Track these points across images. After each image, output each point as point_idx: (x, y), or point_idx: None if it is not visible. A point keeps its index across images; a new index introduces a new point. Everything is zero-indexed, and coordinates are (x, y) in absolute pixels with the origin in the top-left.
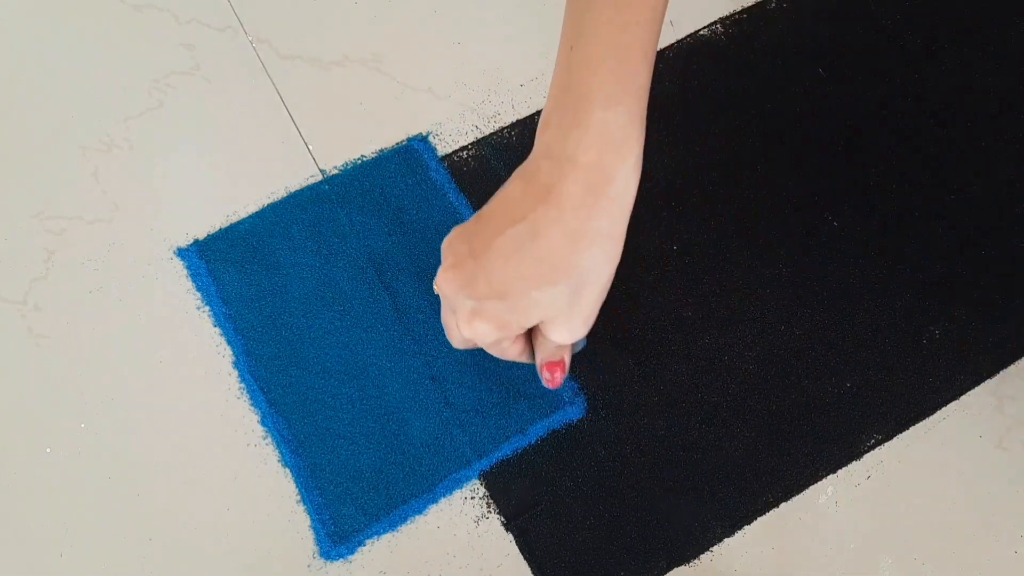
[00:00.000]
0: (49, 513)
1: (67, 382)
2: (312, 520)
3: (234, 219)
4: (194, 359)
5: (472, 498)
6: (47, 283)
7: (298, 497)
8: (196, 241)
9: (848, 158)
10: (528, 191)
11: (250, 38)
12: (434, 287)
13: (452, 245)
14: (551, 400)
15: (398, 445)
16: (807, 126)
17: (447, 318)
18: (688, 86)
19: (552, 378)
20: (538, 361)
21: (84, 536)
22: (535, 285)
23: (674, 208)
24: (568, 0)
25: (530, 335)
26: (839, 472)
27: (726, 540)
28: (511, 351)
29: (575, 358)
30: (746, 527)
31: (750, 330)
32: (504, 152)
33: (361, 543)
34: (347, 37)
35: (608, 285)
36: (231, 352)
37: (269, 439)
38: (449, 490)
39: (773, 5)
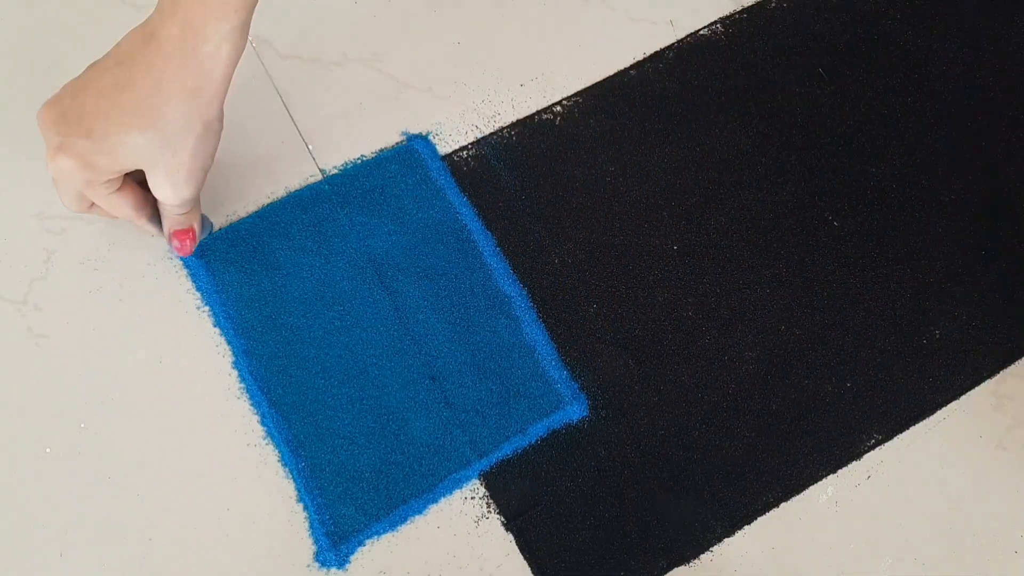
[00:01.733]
0: (49, 513)
1: (67, 382)
2: (312, 520)
3: (234, 219)
4: (194, 359)
5: (472, 498)
6: (47, 283)
7: (298, 497)
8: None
9: (848, 158)
10: (134, 37)
11: (250, 38)
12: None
13: (63, 86)
14: (551, 400)
15: (398, 445)
16: (807, 126)
17: (48, 167)
18: (688, 86)
19: (181, 246)
20: (166, 230)
21: (84, 536)
22: (122, 128)
23: (674, 208)
24: None
25: (155, 204)
26: (839, 472)
27: (726, 540)
28: (118, 204)
29: (574, 359)
30: (746, 527)
31: (750, 330)
32: (504, 152)
33: (361, 543)
34: (347, 37)
35: (205, 146)
36: (231, 352)
37: (269, 439)
38: (449, 490)
39: (773, 5)
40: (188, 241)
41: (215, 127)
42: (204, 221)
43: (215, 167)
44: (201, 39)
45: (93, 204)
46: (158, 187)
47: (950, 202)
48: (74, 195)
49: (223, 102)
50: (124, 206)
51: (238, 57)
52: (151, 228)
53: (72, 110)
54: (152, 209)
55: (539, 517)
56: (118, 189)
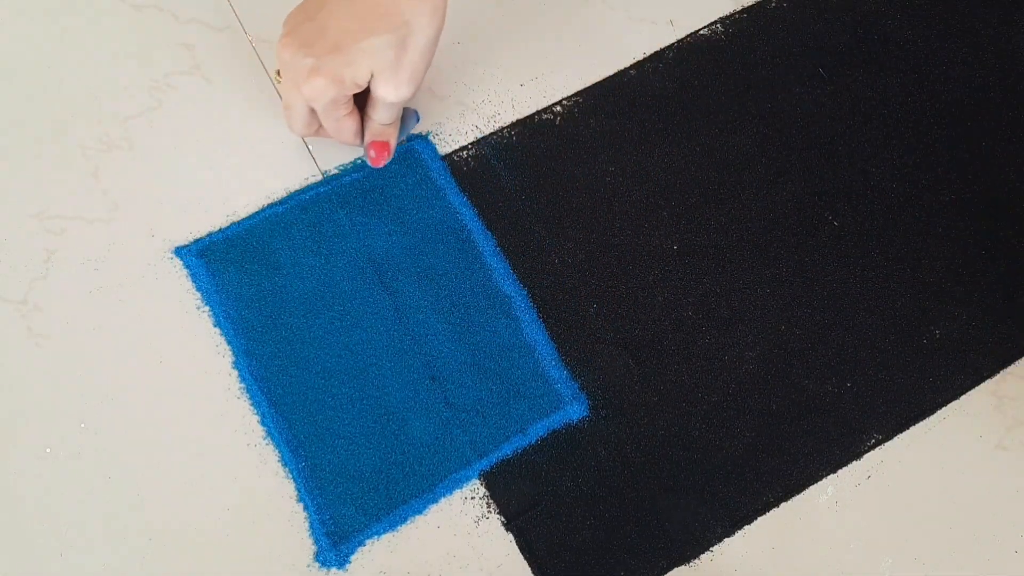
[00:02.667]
0: (49, 513)
1: (67, 382)
2: (312, 520)
3: (234, 219)
4: (194, 359)
5: (472, 498)
6: (47, 283)
7: (298, 497)
8: (196, 241)
9: (848, 158)
10: None
11: (250, 38)
12: (276, 58)
13: (289, 17)
14: (551, 400)
15: (398, 445)
16: (807, 126)
17: (288, 94)
18: (688, 86)
19: (376, 156)
20: (366, 141)
21: (84, 536)
22: (364, 35)
23: (674, 208)
24: None
25: (362, 116)
26: (839, 472)
27: (726, 540)
28: (346, 126)
29: (574, 359)
30: (746, 527)
31: (750, 330)
32: (504, 152)
33: (361, 543)
34: None
35: (432, 46)
36: (231, 352)
37: (269, 439)
38: (449, 490)
39: (773, 5)
40: (384, 154)
41: (442, 21)
42: (411, 113)
43: (215, 167)
44: None
45: (319, 128)
46: (383, 86)
47: (950, 202)
48: (307, 117)
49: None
50: (349, 130)
51: None
52: (358, 142)
53: (314, 32)
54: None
55: (539, 517)
56: (349, 113)
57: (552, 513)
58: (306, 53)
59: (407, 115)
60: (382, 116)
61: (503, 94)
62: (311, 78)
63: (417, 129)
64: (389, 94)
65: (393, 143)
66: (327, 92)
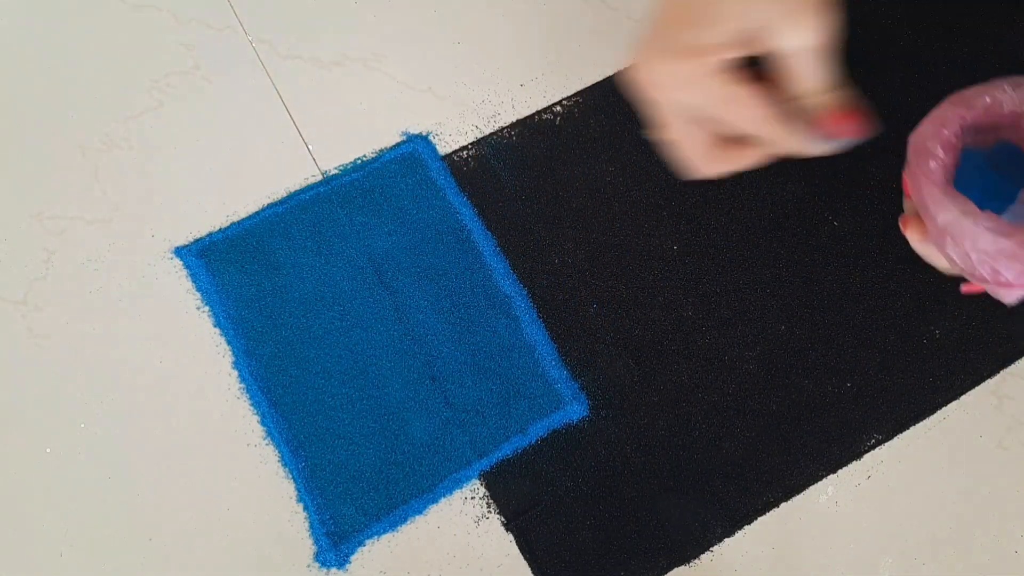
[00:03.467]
0: (49, 513)
1: (67, 382)
2: (312, 520)
3: (234, 219)
4: (194, 359)
5: (472, 498)
6: (47, 283)
7: (298, 497)
8: (196, 241)
9: (848, 158)
10: None
11: (250, 38)
12: (641, 85)
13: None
14: (551, 400)
15: (398, 445)
16: None
17: (666, 113)
18: None
19: (843, 127)
20: (819, 120)
21: (84, 536)
22: None
23: (674, 208)
24: None
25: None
26: (839, 472)
27: (726, 540)
28: (745, 100)
29: (574, 359)
30: (746, 527)
31: (750, 330)
32: (504, 152)
33: (361, 543)
34: (347, 37)
35: None
36: (231, 352)
37: (269, 439)
38: (449, 490)
39: None
40: (854, 121)
41: None
42: None
43: (215, 167)
44: None
45: (714, 147)
46: (784, 31)
47: None
48: (701, 139)
49: None
50: (750, 103)
51: None
52: (786, 132)
53: (668, 33)
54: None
55: (539, 517)
56: (735, 83)
57: (552, 513)
58: (662, 54)
59: None
60: (809, 76)
61: (503, 94)
62: (676, 60)
63: (416, 128)
64: (799, 36)
65: (847, 103)
66: (681, 69)
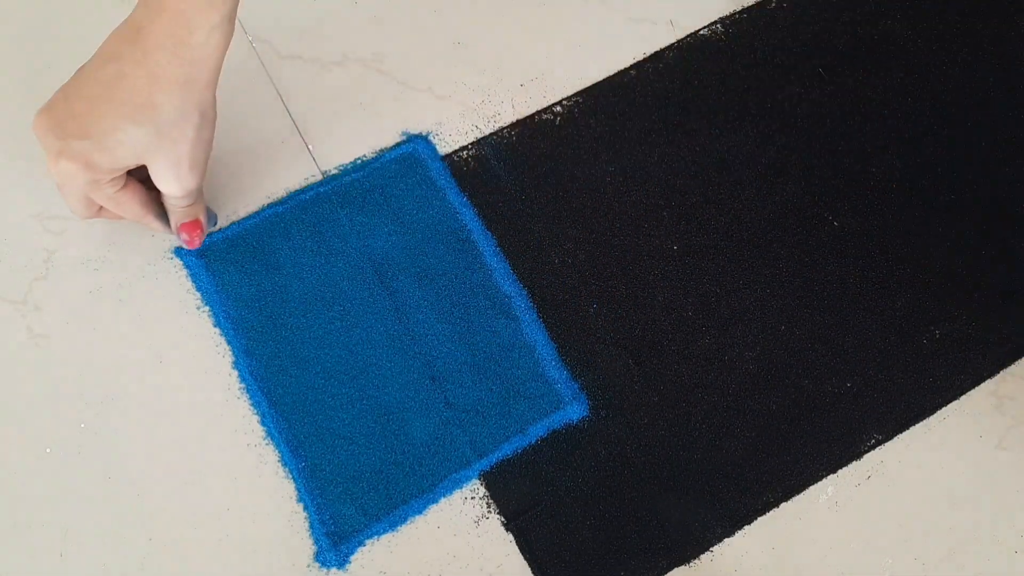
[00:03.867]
0: (49, 513)
1: (67, 382)
2: (312, 520)
3: (234, 219)
4: (194, 359)
5: (472, 498)
6: (47, 283)
7: (298, 497)
8: None
9: (848, 158)
10: (121, 35)
11: (250, 38)
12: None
13: (55, 93)
14: (551, 400)
15: (398, 445)
16: (807, 126)
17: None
18: (688, 86)
19: (190, 239)
20: (173, 225)
21: (84, 536)
22: (119, 124)
23: (674, 208)
24: None
25: (160, 201)
26: (839, 472)
27: (726, 540)
28: (124, 203)
29: (574, 359)
30: (746, 527)
31: (750, 330)
32: (504, 152)
33: (361, 543)
34: (347, 37)
35: (203, 138)
36: (231, 352)
37: (269, 439)
38: (449, 490)
39: (773, 5)
40: (197, 233)
41: (210, 115)
42: (208, 213)
43: (216, 167)
44: (190, 29)
45: (101, 208)
46: (161, 179)
47: (950, 202)
48: (81, 199)
49: (215, 89)
50: (130, 205)
51: (227, 44)
52: (158, 225)
53: (66, 114)
54: (158, 207)
55: (539, 517)
56: (122, 188)
57: (552, 513)
58: (56, 135)
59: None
60: (177, 202)
61: (503, 94)
62: (59, 160)
63: (416, 128)
64: (172, 189)
65: (204, 220)
66: (78, 176)
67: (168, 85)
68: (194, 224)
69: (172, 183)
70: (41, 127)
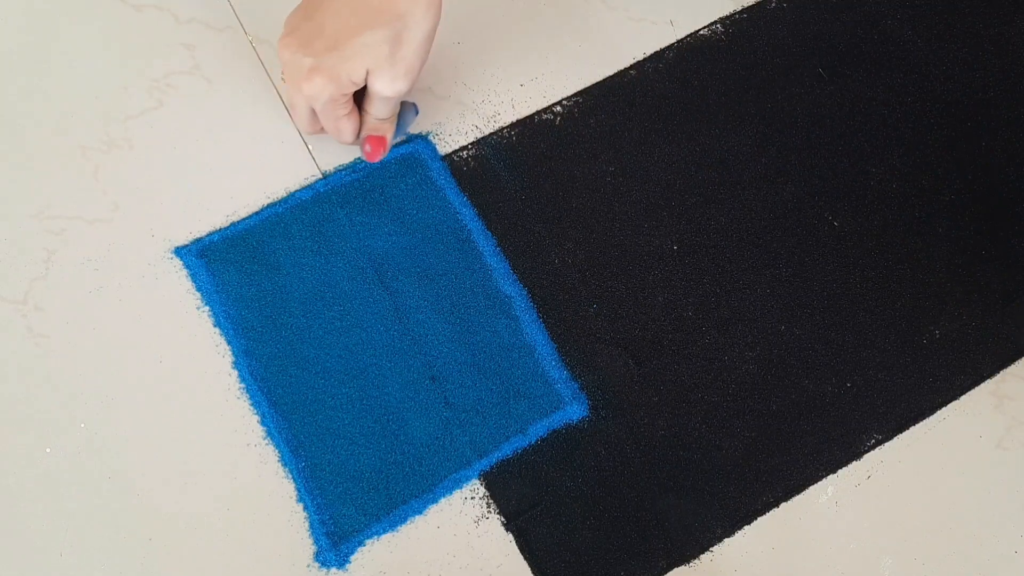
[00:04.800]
0: (49, 513)
1: (67, 382)
2: (312, 520)
3: (234, 219)
4: (194, 359)
5: (472, 498)
6: (47, 283)
7: (298, 497)
8: (196, 241)
9: (848, 158)
10: None
11: (250, 38)
12: (278, 57)
13: (289, 17)
14: (551, 400)
15: (398, 445)
16: (807, 126)
17: (291, 94)
18: (688, 86)
19: (372, 151)
20: (362, 135)
21: (84, 536)
22: (360, 31)
23: (674, 208)
24: None
25: (359, 112)
26: (839, 472)
27: (726, 540)
28: (344, 125)
29: (574, 359)
30: (746, 527)
31: (750, 330)
32: (504, 152)
33: (361, 543)
34: None
35: (428, 40)
36: (231, 352)
37: (269, 439)
38: (449, 490)
39: (773, 5)
40: (380, 149)
41: (438, 17)
42: (409, 114)
43: (215, 167)
44: None
45: (322, 127)
46: (379, 81)
47: (950, 202)
48: (310, 116)
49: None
50: (348, 130)
51: None
52: (353, 138)
53: (313, 31)
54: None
55: (539, 517)
56: (348, 113)
57: (552, 513)
58: (305, 52)
59: (405, 110)
60: (379, 111)
61: (503, 94)
62: (310, 77)
63: (416, 128)
64: (385, 88)
65: (389, 139)
66: (325, 90)
67: None
68: (380, 140)
69: (386, 84)
70: (290, 48)
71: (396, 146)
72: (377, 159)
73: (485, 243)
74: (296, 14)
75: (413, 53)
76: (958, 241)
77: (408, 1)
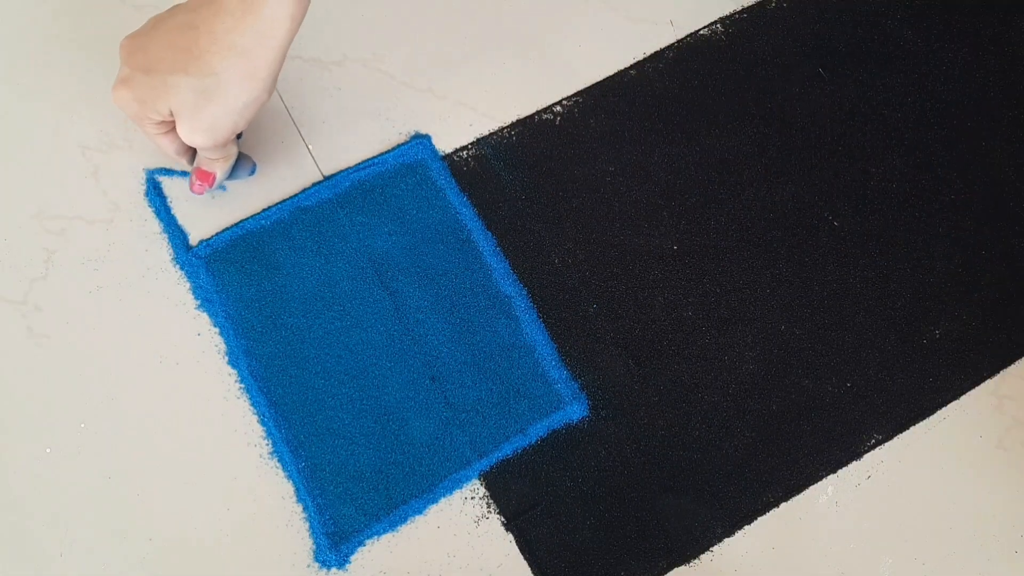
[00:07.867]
0: (49, 513)
1: (67, 382)
2: (312, 520)
3: (234, 219)
4: (194, 359)
5: (472, 498)
6: (47, 283)
7: (298, 497)
8: (196, 242)
9: (848, 158)
10: None
11: None
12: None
13: (148, 20)
14: (551, 400)
15: (398, 445)
16: (807, 126)
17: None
18: (688, 86)
19: (193, 184)
20: (193, 166)
21: (84, 536)
22: (173, 69)
23: (674, 208)
24: None
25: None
26: (839, 472)
27: (726, 540)
28: (159, 140)
29: (574, 359)
30: (746, 527)
31: (750, 330)
32: (504, 152)
33: (361, 543)
34: (347, 37)
35: (244, 111)
36: (231, 352)
37: (269, 439)
38: (449, 490)
39: (773, 5)
40: (205, 182)
41: (260, 97)
42: (246, 163)
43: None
44: (261, 4)
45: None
46: (180, 124)
47: (950, 202)
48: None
49: (275, 75)
50: (165, 148)
51: (295, 28)
52: (181, 159)
53: (142, 46)
54: (193, 153)
55: (539, 517)
56: (164, 133)
57: (552, 513)
58: (126, 62)
59: (243, 162)
60: (207, 157)
61: (503, 94)
62: (119, 87)
63: (416, 128)
64: (184, 135)
65: (218, 178)
66: (129, 107)
67: (225, 51)
68: (206, 175)
69: (185, 132)
70: (124, 49)
71: (396, 147)
72: (197, 192)
73: (485, 243)
74: (149, 21)
75: (222, 115)
76: (958, 241)
77: (224, 64)
